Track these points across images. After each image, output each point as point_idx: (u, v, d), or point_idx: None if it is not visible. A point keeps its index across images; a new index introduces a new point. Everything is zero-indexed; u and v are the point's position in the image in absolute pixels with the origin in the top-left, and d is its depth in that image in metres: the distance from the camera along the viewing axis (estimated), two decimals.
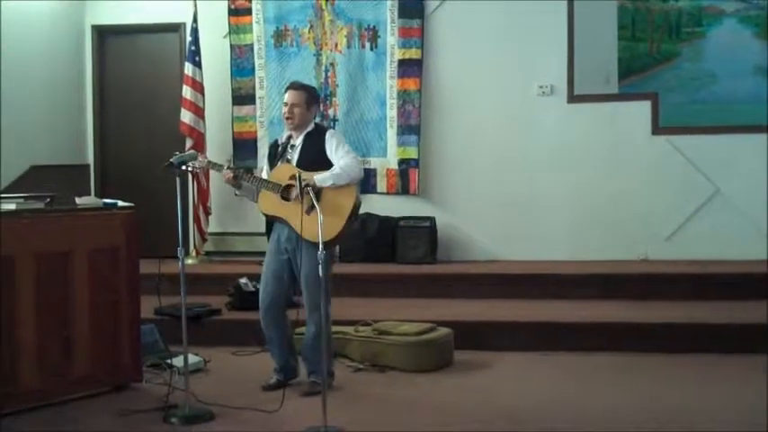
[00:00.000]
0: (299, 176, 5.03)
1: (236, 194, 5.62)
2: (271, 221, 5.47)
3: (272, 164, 5.48)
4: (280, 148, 5.45)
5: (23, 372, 4.99)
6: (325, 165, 5.26)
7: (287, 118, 5.37)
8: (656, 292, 7.09)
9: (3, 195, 5.27)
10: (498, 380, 5.67)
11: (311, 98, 5.45)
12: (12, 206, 5.10)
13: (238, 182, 5.36)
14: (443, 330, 6.11)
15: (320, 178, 5.16)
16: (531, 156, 8.32)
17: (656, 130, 8.13)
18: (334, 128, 8.46)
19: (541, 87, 8.29)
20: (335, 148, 5.31)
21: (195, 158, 5.33)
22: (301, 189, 4.98)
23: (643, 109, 8.14)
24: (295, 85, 5.50)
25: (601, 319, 6.50)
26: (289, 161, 5.35)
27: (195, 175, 8.29)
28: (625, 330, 6.32)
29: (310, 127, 5.44)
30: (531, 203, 8.32)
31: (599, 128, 8.21)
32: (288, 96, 5.39)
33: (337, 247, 7.79)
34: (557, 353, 6.18)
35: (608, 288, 7.20)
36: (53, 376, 5.12)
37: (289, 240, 5.30)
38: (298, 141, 5.40)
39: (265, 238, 5.66)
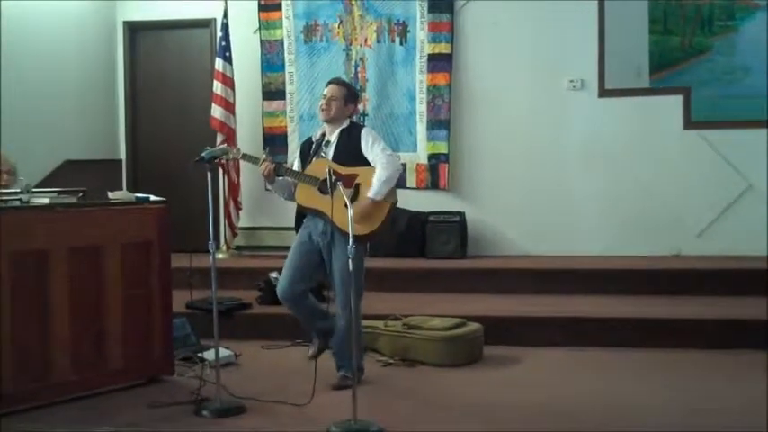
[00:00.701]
0: (330, 171, 5.01)
1: (266, 189, 5.59)
2: (301, 216, 5.47)
3: (303, 160, 5.48)
4: (314, 145, 5.45)
5: (57, 364, 5.04)
6: (361, 161, 5.27)
7: (323, 109, 5.38)
8: (689, 287, 7.05)
9: (37, 190, 5.31)
10: (529, 375, 5.66)
11: (350, 95, 5.46)
12: (45, 200, 5.15)
13: (274, 176, 5.37)
14: (473, 325, 6.10)
15: (373, 194, 5.16)
16: (562, 150, 8.29)
17: (688, 124, 8.07)
18: (364, 123, 8.49)
19: (572, 81, 8.25)
20: (371, 145, 5.31)
21: (226, 153, 5.36)
22: (331, 183, 4.98)
23: (675, 103, 8.08)
24: (337, 81, 5.54)
25: (633, 314, 6.47)
26: (323, 158, 5.35)
27: (226, 170, 8.33)
28: (657, 326, 6.29)
29: (345, 124, 5.43)
30: (562, 198, 8.29)
31: (630, 122, 8.16)
32: (328, 90, 5.41)
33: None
34: (587, 348, 6.16)
35: (640, 284, 7.17)
36: (86, 369, 5.16)
37: (323, 234, 5.29)
38: (333, 138, 5.39)
39: (294, 233, 5.66)
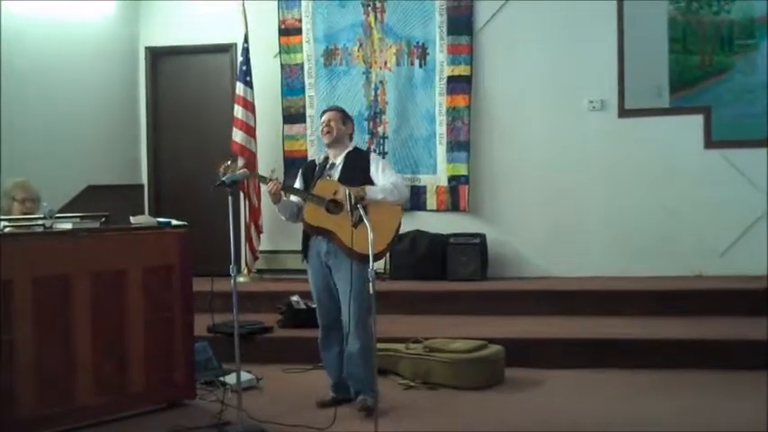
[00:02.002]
0: (349, 193, 5.05)
1: (275, 205, 5.56)
2: (306, 238, 5.48)
3: (306, 183, 5.49)
4: (317, 168, 5.48)
5: (79, 388, 5.06)
6: (368, 184, 5.31)
7: (325, 133, 5.45)
8: (711, 308, 6.99)
9: (60, 215, 5.35)
10: (551, 397, 5.63)
11: (345, 116, 5.58)
12: (68, 225, 5.20)
13: (281, 195, 5.39)
14: (495, 348, 6.08)
15: (371, 191, 5.21)
16: (583, 171, 8.27)
17: (709, 143, 8.04)
18: (384, 145, 8.53)
19: (592, 102, 8.25)
20: (382, 169, 5.37)
21: (247, 177, 5.39)
22: (351, 206, 5.00)
23: (696, 123, 8.05)
24: (330, 108, 5.70)
25: (655, 335, 6.43)
26: (330, 179, 5.37)
27: (247, 194, 8.37)
28: (679, 348, 6.24)
29: (350, 147, 5.50)
30: (583, 219, 8.27)
31: (651, 142, 8.14)
32: (324, 116, 5.53)
33: (380, 263, 7.86)
34: (610, 370, 6.12)
35: (662, 304, 7.13)
36: (108, 393, 5.18)
37: (328, 254, 5.32)
38: (338, 161, 5.44)
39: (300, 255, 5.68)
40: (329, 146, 5.49)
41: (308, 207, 5.34)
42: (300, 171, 5.68)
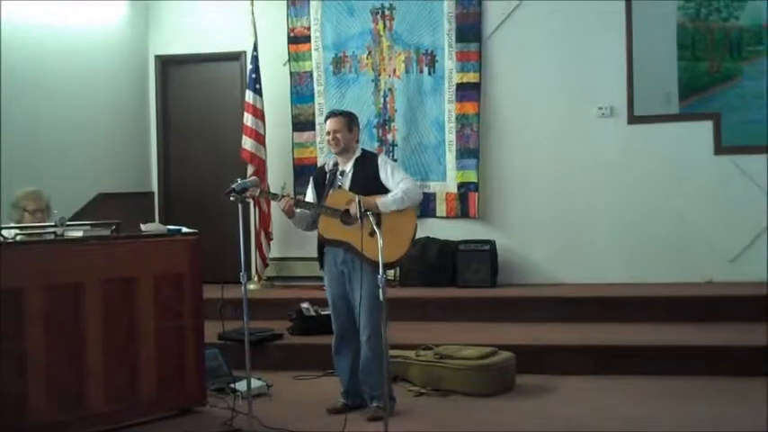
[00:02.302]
0: (360, 202, 5.06)
1: (289, 219, 5.57)
2: (322, 245, 5.49)
3: (318, 190, 5.50)
4: (328, 175, 5.48)
5: (90, 395, 5.08)
6: (379, 190, 5.31)
7: (332, 144, 5.44)
8: (722, 314, 6.98)
9: (71, 223, 5.38)
10: (562, 404, 5.62)
11: (350, 121, 5.51)
12: (79, 233, 5.23)
13: (294, 211, 5.40)
14: (505, 354, 6.08)
15: (382, 203, 5.21)
16: (592, 178, 8.26)
17: (719, 150, 8.02)
18: (393, 152, 8.53)
19: (601, 109, 8.24)
20: (391, 174, 5.36)
21: (257, 185, 5.40)
22: (361, 215, 5.02)
23: (705, 129, 8.04)
24: (334, 113, 5.58)
25: (665, 342, 6.42)
26: (340, 187, 5.38)
27: (257, 201, 8.38)
28: (689, 354, 6.23)
29: (358, 153, 5.49)
30: (593, 226, 8.26)
31: (660, 149, 8.13)
32: (329, 124, 5.46)
33: (394, 271, 7.88)
34: (620, 377, 6.11)
35: (671, 311, 7.11)
36: (119, 400, 5.20)
37: (345, 263, 5.33)
38: (347, 167, 5.44)
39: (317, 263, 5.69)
40: (338, 154, 5.50)
41: (322, 220, 5.35)
42: (312, 178, 5.68)
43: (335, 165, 5.49)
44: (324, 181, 5.49)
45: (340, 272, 5.38)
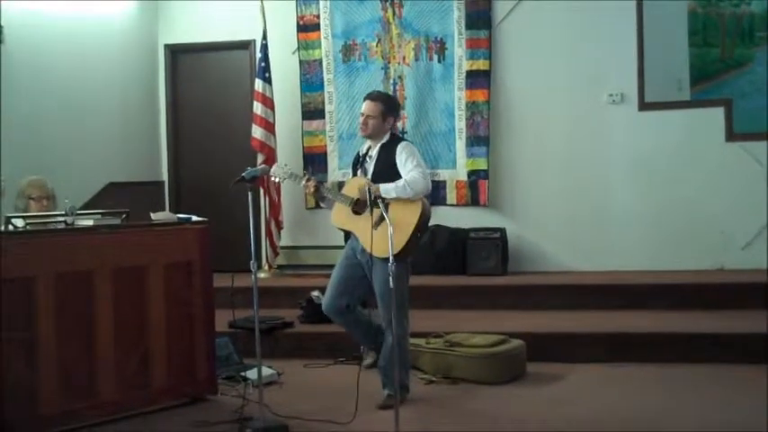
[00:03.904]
0: (369, 189, 5.05)
1: (321, 206, 5.63)
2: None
3: (354, 174, 5.56)
4: (361, 158, 5.52)
5: (102, 384, 5.09)
6: (398, 177, 5.29)
7: (362, 125, 5.46)
8: (733, 301, 6.95)
9: (81, 212, 5.38)
10: (572, 392, 5.61)
11: (387, 109, 5.46)
12: (89, 222, 5.23)
13: (320, 193, 5.42)
14: (515, 342, 6.08)
15: (384, 189, 5.19)
16: (603, 165, 8.24)
17: (731, 136, 7.98)
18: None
19: (611, 95, 8.21)
20: (405, 162, 5.32)
21: (267, 173, 5.41)
22: (371, 201, 5.00)
23: (716, 115, 8.00)
24: (372, 96, 5.53)
25: (677, 329, 6.41)
26: (366, 172, 5.41)
27: (266, 190, 8.39)
28: (701, 341, 6.21)
29: (386, 138, 5.46)
30: (603, 213, 8.24)
31: (671, 135, 8.10)
32: (364, 107, 5.45)
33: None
34: (631, 364, 6.10)
35: (683, 298, 7.10)
36: (131, 389, 5.21)
37: (363, 253, 5.33)
38: (374, 152, 5.45)
39: (336, 251, 5.74)
40: (366, 137, 5.51)
41: (335, 207, 5.41)
42: (352, 162, 5.72)
43: (369, 148, 5.51)
44: (357, 164, 5.54)
45: (357, 261, 5.40)
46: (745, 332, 6.23)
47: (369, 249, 5.10)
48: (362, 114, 5.45)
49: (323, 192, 5.45)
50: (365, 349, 5.92)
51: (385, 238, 4.74)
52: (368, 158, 5.46)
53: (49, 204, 5.74)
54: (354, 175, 5.54)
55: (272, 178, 5.62)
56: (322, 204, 5.64)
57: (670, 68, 8.12)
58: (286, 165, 5.67)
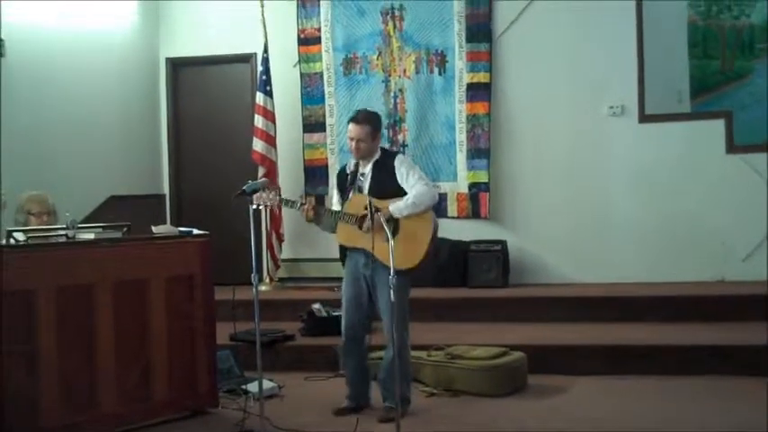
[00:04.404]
0: (371, 205, 5.04)
1: (318, 225, 5.57)
2: (344, 248, 5.50)
3: (342, 193, 5.52)
4: (349, 176, 5.48)
5: (103, 397, 5.09)
6: (397, 191, 5.29)
7: (354, 150, 5.41)
8: (734, 313, 6.95)
9: (82, 225, 5.40)
10: (573, 405, 5.61)
11: (374, 128, 5.45)
12: (91, 236, 5.24)
13: (318, 217, 5.40)
14: (516, 354, 6.07)
15: (394, 209, 5.20)
16: (603, 177, 8.25)
17: (731, 148, 7.99)
18: (404, 153, 8.52)
19: (612, 108, 8.23)
20: (407, 176, 5.32)
21: (267, 186, 5.40)
22: (372, 216, 5.01)
23: (717, 127, 8.01)
24: (357, 119, 5.45)
25: (677, 341, 6.40)
26: (360, 190, 5.38)
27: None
28: (702, 353, 6.20)
29: (378, 154, 5.46)
30: (604, 225, 8.24)
31: (672, 147, 8.10)
32: (352, 131, 5.40)
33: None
34: (632, 376, 6.09)
35: (683, 310, 7.09)
36: (132, 402, 5.21)
37: (366, 266, 5.33)
38: (367, 170, 5.43)
39: (337, 264, 5.71)
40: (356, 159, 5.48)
41: (340, 227, 5.36)
42: (336, 180, 5.68)
43: (356, 165, 5.48)
44: (345, 182, 5.49)
45: (362, 275, 5.38)
46: (746, 344, 6.23)
47: (383, 260, 5.03)
48: (351, 139, 5.41)
49: (322, 214, 5.42)
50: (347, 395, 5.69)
51: (402, 251, 4.75)
52: (360, 177, 5.43)
53: (49, 220, 5.72)
54: (342, 193, 5.50)
55: (256, 206, 5.20)
56: (319, 226, 5.54)
57: (670, 80, 8.13)
58: (278, 195, 5.55)
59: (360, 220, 5.23)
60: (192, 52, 9.23)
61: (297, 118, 8.92)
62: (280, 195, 5.57)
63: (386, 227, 4.88)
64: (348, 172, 5.52)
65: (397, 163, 5.39)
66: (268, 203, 5.29)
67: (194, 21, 9.19)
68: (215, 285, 5.68)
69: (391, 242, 4.71)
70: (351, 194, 5.40)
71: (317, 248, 8.56)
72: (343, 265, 5.55)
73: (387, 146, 8.53)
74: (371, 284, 5.35)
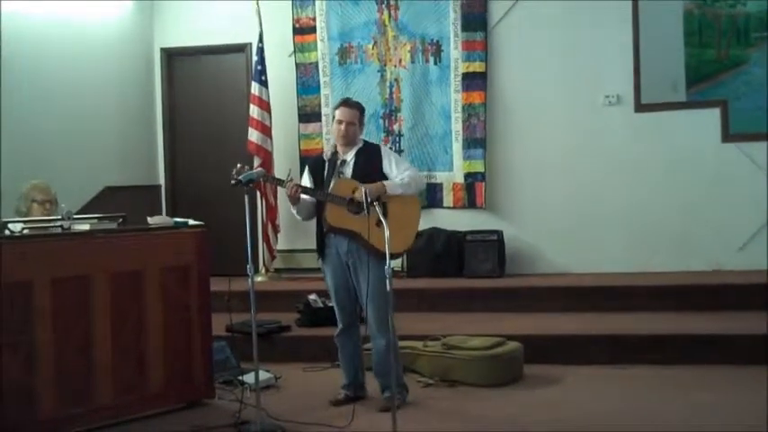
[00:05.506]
0: (366, 192, 5.04)
1: (294, 206, 5.49)
2: (321, 236, 5.44)
3: (316, 179, 5.41)
4: (328, 164, 5.40)
5: (99, 388, 5.09)
6: (379, 180, 5.28)
7: (341, 135, 5.35)
8: (730, 302, 6.95)
9: (77, 216, 5.38)
10: (569, 394, 5.61)
11: (362, 116, 5.47)
12: (86, 227, 5.23)
13: (298, 197, 5.32)
14: (513, 344, 6.07)
15: (391, 186, 5.21)
16: (600, 166, 8.24)
17: (727, 137, 7.99)
18: (400, 143, 8.53)
19: (608, 97, 8.22)
20: (395, 164, 5.35)
21: (263, 176, 5.38)
22: (367, 204, 5.00)
23: (712, 116, 8.01)
24: (349, 103, 5.45)
25: (673, 331, 6.41)
26: (341, 176, 5.33)
27: (264, 193, 8.38)
28: (698, 342, 6.21)
29: (360, 144, 5.44)
30: (600, 214, 8.24)
31: (667, 137, 8.10)
32: (343, 113, 5.36)
33: (397, 261, 7.84)
34: (628, 366, 6.10)
35: (680, 299, 7.09)
36: (128, 393, 5.21)
37: (349, 254, 5.29)
38: (348, 157, 5.37)
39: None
40: (342, 145, 5.43)
41: (329, 208, 5.27)
42: (307, 168, 5.56)
43: (334, 154, 5.42)
44: (323, 170, 5.42)
45: (344, 263, 5.35)
46: (744, 333, 6.23)
47: (378, 246, 5.02)
48: (341, 122, 5.35)
49: (310, 192, 5.30)
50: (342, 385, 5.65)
51: (395, 235, 4.74)
52: (342, 164, 5.35)
53: (51, 208, 5.77)
54: (318, 180, 5.40)
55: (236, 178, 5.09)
56: (294, 207, 5.41)
57: (666, 70, 8.12)
58: (261, 169, 5.50)
59: (350, 203, 5.20)
60: (187, 42, 9.20)
61: (292, 108, 8.90)
62: (268, 175, 5.53)
63: (380, 212, 4.87)
64: (326, 159, 5.44)
65: (384, 152, 5.43)
66: (255, 176, 5.15)
67: (189, 10, 9.17)
68: (211, 276, 5.67)
69: (386, 230, 4.69)
70: (333, 181, 5.33)
71: (313, 239, 8.44)
72: (320, 255, 5.49)
73: (382, 136, 8.59)
74: (353, 272, 5.32)
